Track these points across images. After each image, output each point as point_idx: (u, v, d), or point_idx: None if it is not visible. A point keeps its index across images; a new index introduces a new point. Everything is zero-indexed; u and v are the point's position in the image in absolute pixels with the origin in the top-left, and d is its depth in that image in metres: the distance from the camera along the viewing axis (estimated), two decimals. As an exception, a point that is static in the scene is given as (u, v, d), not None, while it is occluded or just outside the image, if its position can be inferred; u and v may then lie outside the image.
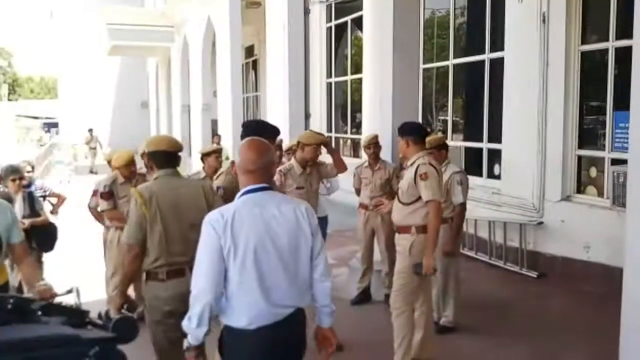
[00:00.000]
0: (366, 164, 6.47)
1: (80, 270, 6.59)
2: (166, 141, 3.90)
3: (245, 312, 2.64)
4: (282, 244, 2.71)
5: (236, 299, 2.64)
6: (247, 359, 2.67)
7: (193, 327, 2.58)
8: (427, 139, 5.12)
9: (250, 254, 2.63)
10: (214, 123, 16.57)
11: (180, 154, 3.88)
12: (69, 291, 2.75)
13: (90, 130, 23.56)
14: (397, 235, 4.61)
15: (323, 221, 6.93)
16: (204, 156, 6.12)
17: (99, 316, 2.46)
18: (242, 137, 4.06)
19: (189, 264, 3.14)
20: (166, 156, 3.78)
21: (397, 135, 4.73)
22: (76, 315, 2.47)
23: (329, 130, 14.69)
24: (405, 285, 4.48)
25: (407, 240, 4.46)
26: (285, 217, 2.74)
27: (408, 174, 4.49)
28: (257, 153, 2.77)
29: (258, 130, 4.11)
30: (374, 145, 6.34)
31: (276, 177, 5.05)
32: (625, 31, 6.59)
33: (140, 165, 5.75)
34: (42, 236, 5.67)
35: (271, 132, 4.16)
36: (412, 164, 4.51)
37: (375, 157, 6.36)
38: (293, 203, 2.86)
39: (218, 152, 6.25)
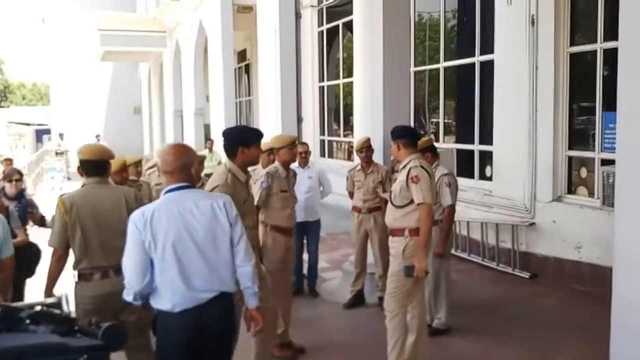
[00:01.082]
0: (359, 167, 6.48)
1: (68, 278, 6.57)
2: (94, 150, 4.04)
3: (169, 298, 3.01)
4: (199, 236, 3.06)
5: (161, 286, 3.03)
6: (174, 338, 3.03)
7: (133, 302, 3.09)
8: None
9: (169, 246, 3.00)
10: (207, 128, 16.58)
11: (111, 161, 4.10)
12: (57, 299, 2.74)
13: (98, 136, 23.49)
14: (390, 238, 4.61)
15: (316, 224, 6.95)
16: None
17: (89, 324, 2.44)
18: (226, 147, 4.11)
19: (114, 267, 3.58)
20: (93, 165, 3.93)
21: (389, 138, 4.74)
22: (65, 324, 2.45)
23: (322, 133, 14.70)
24: (398, 287, 4.49)
25: (400, 243, 4.46)
26: (202, 212, 3.09)
27: (400, 177, 4.50)
28: (175, 156, 3.14)
29: (242, 137, 4.15)
30: (366, 148, 6.35)
31: (263, 179, 5.07)
32: (613, 33, 6.62)
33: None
34: (20, 259, 4.48)
35: (256, 137, 4.16)
36: (404, 167, 4.52)
37: (367, 161, 6.38)
38: (211, 198, 3.20)
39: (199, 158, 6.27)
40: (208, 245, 3.08)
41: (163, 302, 3.04)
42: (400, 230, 4.47)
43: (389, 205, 4.61)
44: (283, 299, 5.07)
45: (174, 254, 3.01)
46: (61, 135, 23.37)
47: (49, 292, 3.72)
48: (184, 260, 3.02)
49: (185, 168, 3.14)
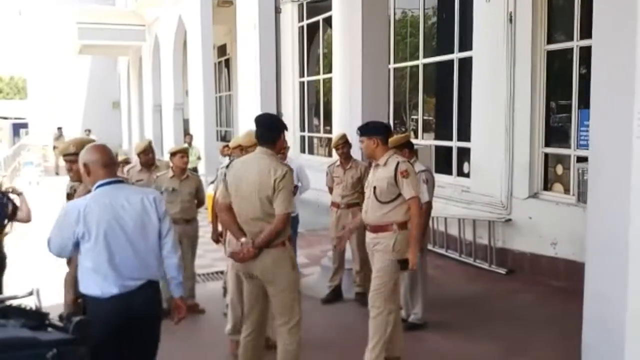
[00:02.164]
0: (338, 162, 6.49)
1: (41, 272, 6.51)
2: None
3: (99, 284, 3.19)
4: (129, 228, 3.26)
5: (92, 273, 3.20)
6: (103, 322, 3.11)
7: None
8: (392, 138, 5.15)
9: (101, 237, 3.18)
10: (186, 122, 16.49)
11: None
12: (29, 293, 2.72)
13: (60, 129, 23.15)
14: (374, 235, 4.56)
15: (294, 220, 6.93)
16: (171, 156, 6.17)
17: (60, 318, 2.42)
18: (266, 134, 4.02)
19: None
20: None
21: (358, 135, 4.68)
22: (35, 318, 2.44)
23: (302, 129, 14.69)
24: (385, 283, 4.46)
25: (388, 238, 4.44)
26: (132, 206, 3.29)
27: (385, 173, 4.47)
28: (107, 153, 3.35)
29: (282, 125, 4.14)
30: (342, 145, 6.34)
31: None
32: (589, 31, 6.64)
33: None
34: None
35: (281, 128, 4.12)
36: (386, 163, 4.51)
37: (345, 157, 6.38)
38: (142, 193, 3.41)
39: (183, 151, 6.27)
40: (137, 236, 3.29)
41: (93, 288, 3.20)
42: (388, 226, 4.47)
43: (372, 202, 4.55)
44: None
45: (105, 243, 3.19)
46: (60, 130, 22.99)
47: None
48: (114, 250, 3.21)
49: (115, 164, 3.43)
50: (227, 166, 4.32)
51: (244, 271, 4.06)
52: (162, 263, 3.42)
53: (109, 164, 3.33)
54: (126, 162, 6.39)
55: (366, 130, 4.61)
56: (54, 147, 21.38)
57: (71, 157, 3.96)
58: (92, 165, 3.29)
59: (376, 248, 4.55)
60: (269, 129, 4.04)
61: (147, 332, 3.36)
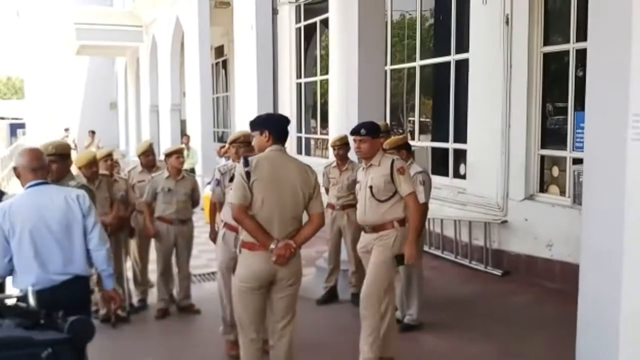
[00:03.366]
0: (334, 163, 6.50)
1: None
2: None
3: (27, 279, 3.33)
4: (54, 226, 3.47)
5: (19, 268, 3.45)
6: None
7: None
8: (388, 140, 5.15)
9: (26, 235, 3.41)
10: (183, 124, 16.48)
11: (80, 156, 4.66)
12: (24, 292, 2.72)
13: (67, 130, 23.11)
14: (375, 234, 4.56)
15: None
16: (167, 157, 6.18)
17: (55, 318, 2.42)
18: (282, 133, 3.94)
19: None
20: None
21: (355, 135, 4.67)
22: (31, 317, 2.44)
23: (299, 130, 14.68)
24: (379, 280, 4.47)
25: (390, 235, 4.48)
26: (55, 204, 3.50)
27: (381, 172, 4.50)
28: (36, 157, 3.55)
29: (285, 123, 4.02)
30: (340, 146, 6.36)
31: (214, 175, 5.15)
32: (585, 33, 6.67)
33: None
34: None
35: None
36: (380, 163, 4.53)
37: (341, 158, 6.39)
38: (65, 192, 3.61)
39: (178, 152, 6.28)
40: (62, 234, 3.50)
41: (21, 282, 3.36)
42: (389, 223, 4.50)
43: (370, 201, 4.56)
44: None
45: (31, 240, 3.42)
46: (67, 130, 22.93)
47: None
48: (40, 247, 3.44)
49: (44, 167, 3.60)
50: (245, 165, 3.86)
51: (267, 277, 3.79)
52: (90, 258, 3.63)
53: (37, 168, 3.54)
54: (109, 156, 6.28)
55: (372, 130, 4.59)
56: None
57: (51, 158, 4.14)
58: (21, 168, 3.54)
59: (376, 243, 4.56)
60: (286, 128, 3.97)
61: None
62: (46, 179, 3.62)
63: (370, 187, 4.55)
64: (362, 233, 4.76)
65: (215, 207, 5.29)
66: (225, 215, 4.86)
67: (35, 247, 3.43)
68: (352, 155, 6.49)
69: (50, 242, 3.47)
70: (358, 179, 4.78)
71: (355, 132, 4.61)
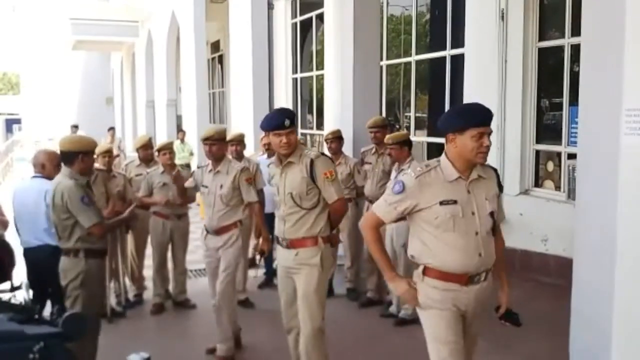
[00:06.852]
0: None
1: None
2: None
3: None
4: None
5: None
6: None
7: None
8: (390, 135, 5.14)
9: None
10: (179, 119, 16.45)
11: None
12: (19, 286, 2.73)
13: (76, 127, 22.92)
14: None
15: (270, 217, 6.87)
16: (158, 152, 6.21)
17: (51, 312, 2.43)
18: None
19: None
20: None
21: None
22: (24, 311, 2.44)
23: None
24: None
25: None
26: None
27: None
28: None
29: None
30: (332, 140, 6.35)
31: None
32: (580, 28, 6.73)
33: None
34: None
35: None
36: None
37: (334, 152, 6.36)
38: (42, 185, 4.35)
39: (165, 148, 6.27)
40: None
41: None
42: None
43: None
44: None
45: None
46: (74, 127, 22.72)
47: None
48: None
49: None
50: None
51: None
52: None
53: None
54: (108, 152, 6.27)
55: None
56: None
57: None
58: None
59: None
60: None
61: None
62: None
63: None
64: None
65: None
66: None
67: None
68: (346, 148, 6.53)
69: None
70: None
71: (278, 125, 3.87)
